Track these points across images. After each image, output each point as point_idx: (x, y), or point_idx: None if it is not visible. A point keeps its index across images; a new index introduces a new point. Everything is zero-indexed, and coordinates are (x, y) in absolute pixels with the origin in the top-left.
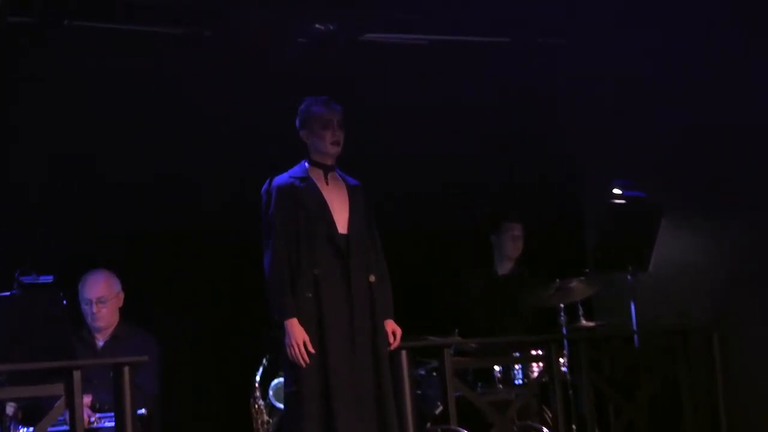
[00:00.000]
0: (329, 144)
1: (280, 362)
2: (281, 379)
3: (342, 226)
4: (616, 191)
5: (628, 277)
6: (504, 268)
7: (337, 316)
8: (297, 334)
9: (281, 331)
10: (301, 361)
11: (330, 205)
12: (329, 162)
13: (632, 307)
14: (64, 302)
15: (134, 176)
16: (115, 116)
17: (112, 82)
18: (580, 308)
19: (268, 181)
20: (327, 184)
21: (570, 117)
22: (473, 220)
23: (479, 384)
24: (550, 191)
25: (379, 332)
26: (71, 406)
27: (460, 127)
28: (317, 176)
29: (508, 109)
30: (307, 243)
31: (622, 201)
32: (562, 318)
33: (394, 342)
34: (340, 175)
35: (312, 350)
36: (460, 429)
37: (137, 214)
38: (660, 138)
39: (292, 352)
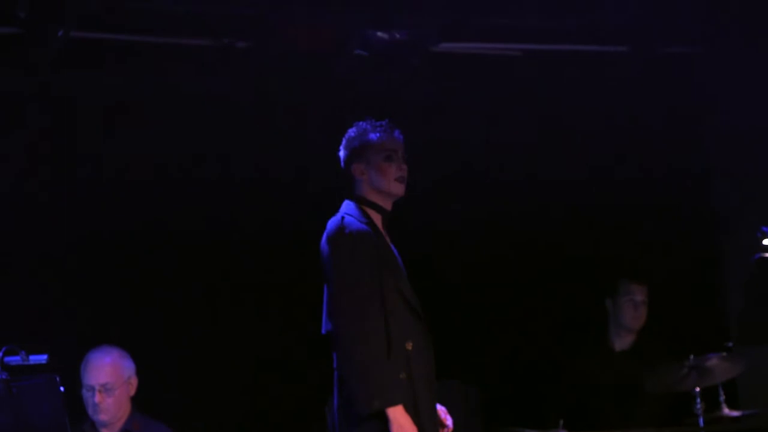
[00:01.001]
0: (393, 181)
1: None
2: None
3: (408, 284)
4: (767, 242)
5: None
6: (622, 342)
7: (428, 401)
8: (409, 425)
9: (376, 423)
10: None
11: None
12: (389, 205)
13: None
14: (62, 389)
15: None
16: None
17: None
18: (722, 393)
19: (339, 220)
20: (386, 233)
21: (706, 148)
22: (584, 280)
23: None
24: (683, 244)
25: None
26: None
27: (563, 156)
28: (377, 222)
29: (624, 134)
30: (393, 308)
31: None
32: (699, 406)
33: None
34: None
35: None
36: None
37: (158, 271)
38: None
39: None
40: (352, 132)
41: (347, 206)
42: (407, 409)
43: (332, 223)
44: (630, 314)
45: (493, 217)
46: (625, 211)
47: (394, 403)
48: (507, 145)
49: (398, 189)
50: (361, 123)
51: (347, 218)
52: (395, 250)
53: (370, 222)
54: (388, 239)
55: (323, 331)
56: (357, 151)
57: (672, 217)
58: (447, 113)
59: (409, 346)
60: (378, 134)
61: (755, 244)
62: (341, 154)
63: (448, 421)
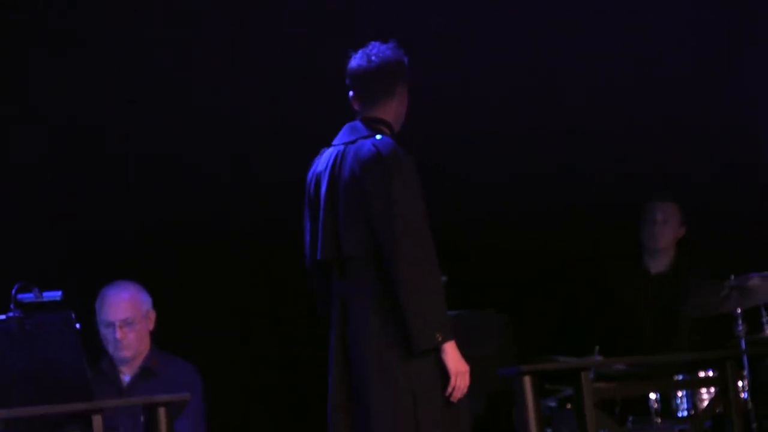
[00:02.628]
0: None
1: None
2: None
3: None
4: None
5: None
6: (657, 264)
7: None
8: (462, 359)
9: (433, 357)
10: (461, 394)
11: None
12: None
13: None
14: (78, 326)
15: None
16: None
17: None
18: (764, 314)
19: (392, 144)
20: None
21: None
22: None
23: (630, 418)
24: (721, 156)
25: None
26: None
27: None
28: None
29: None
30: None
31: None
32: (740, 328)
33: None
34: None
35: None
36: None
37: (175, 206)
38: None
39: (462, 382)
40: (390, 50)
41: (372, 127)
42: None
43: (385, 144)
44: (648, 233)
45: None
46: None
47: (452, 338)
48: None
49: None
50: (391, 44)
51: (394, 144)
52: None
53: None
54: None
55: (319, 256)
56: (404, 73)
57: (713, 132)
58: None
59: (444, 279)
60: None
61: None
62: (377, 67)
63: None
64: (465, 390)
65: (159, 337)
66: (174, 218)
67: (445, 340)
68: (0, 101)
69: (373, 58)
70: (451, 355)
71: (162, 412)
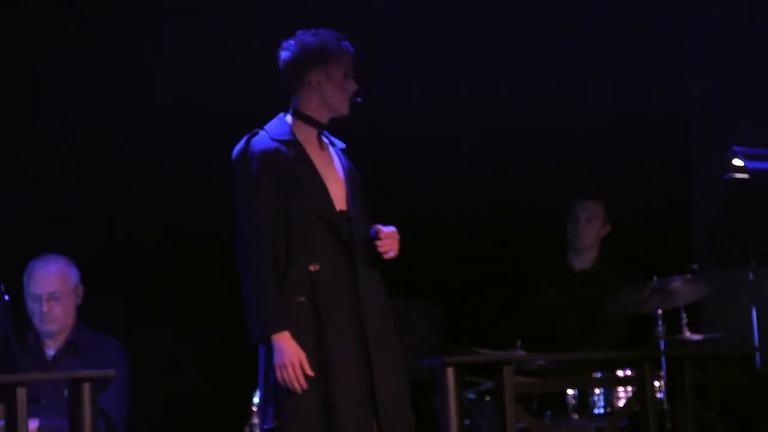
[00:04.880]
0: (347, 100)
1: (263, 391)
2: None
3: (340, 201)
4: (737, 162)
5: (750, 275)
6: (581, 261)
7: (341, 323)
8: (291, 350)
9: (267, 350)
10: (297, 386)
11: (324, 176)
12: (327, 120)
13: (754, 315)
14: (6, 297)
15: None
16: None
17: None
18: (684, 316)
19: (243, 143)
20: (321, 149)
21: (676, 61)
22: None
23: (547, 413)
24: (647, 161)
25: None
26: None
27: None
28: (307, 137)
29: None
30: (299, 229)
31: (745, 175)
32: (660, 329)
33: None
34: (325, 136)
35: (310, 372)
36: None
37: (102, 183)
38: None
39: (286, 376)
40: (307, 36)
41: (276, 121)
42: (304, 334)
43: (238, 144)
44: (573, 231)
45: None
46: (592, 128)
47: (276, 330)
48: None
49: (347, 109)
50: (317, 30)
51: (254, 139)
52: (340, 165)
53: (291, 139)
54: (329, 152)
55: None
56: (317, 59)
57: (641, 136)
58: None
59: (314, 268)
60: (338, 45)
61: (725, 164)
62: (290, 56)
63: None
64: (294, 382)
65: (86, 312)
66: (104, 196)
67: (271, 333)
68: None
69: (283, 48)
70: (276, 347)
71: (86, 387)
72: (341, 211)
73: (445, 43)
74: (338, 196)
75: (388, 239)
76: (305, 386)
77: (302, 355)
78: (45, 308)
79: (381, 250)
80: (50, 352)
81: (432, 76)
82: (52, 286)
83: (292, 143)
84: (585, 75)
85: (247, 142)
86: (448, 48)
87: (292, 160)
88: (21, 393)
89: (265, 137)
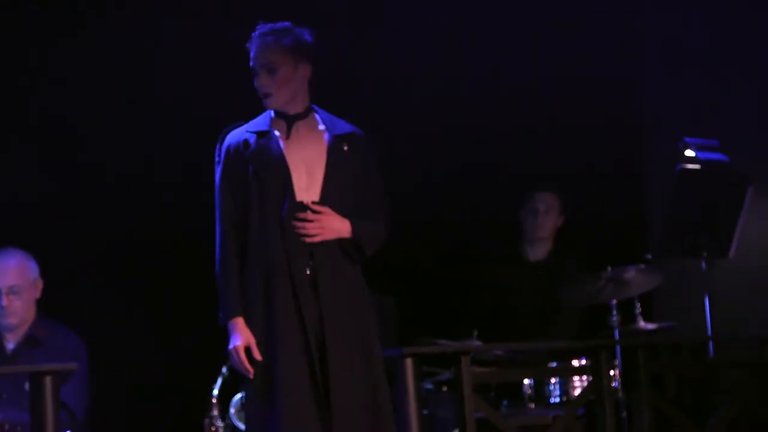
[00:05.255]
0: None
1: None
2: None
3: (303, 191)
4: (689, 153)
5: (702, 265)
6: (535, 252)
7: (289, 319)
8: (239, 336)
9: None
10: (243, 371)
11: (292, 166)
12: (288, 111)
13: (707, 305)
14: None
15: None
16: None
17: None
18: (638, 306)
19: (220, 137)
20: (298, 138)
21: (629, 55)
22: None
23: (504, 402)
24: (600, 153)
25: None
26: None
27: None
28: (281, 128)
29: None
30: (257, 219)
31: (697, 166)
32: (615, 319)
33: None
34: (324, 120)
35: (258, 357)
36: None
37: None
38: (747, 89)
39: (233, 360)
40: (304, 32)
41: (262, 115)
42: (255, 321)
43: None
44: (530, 222)
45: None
46: (549, 123)
47: (230, 317)
48: None
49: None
50: (299, 27)
51: (230, 132)
52: (324, 154)
53: (265, 130)
54: (308, 141)
55: None
56: (312, 54)
57: (594, 127)
58: None
59: (268, 277)
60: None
61: (677, 155)
62: (288, 43)
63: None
64: (239, 367)
65: (45, 306)
66: (64, 189)
67: (227, 318)
68: None
69: None
70: (229, 333)
71: (48, 380)
72: (300, 202)
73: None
74: (302, 186)
75: (314, 222)
76: (250, 371)
77: (251, 341)
78: (5, 302)
79: (300, 231)
80: (10, 345)
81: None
82: (12, 280)
83: (265, 134)
84: (539, 70)
85: (223, 135)
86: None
87: (257, 151)
88: None
89: (240, 130)
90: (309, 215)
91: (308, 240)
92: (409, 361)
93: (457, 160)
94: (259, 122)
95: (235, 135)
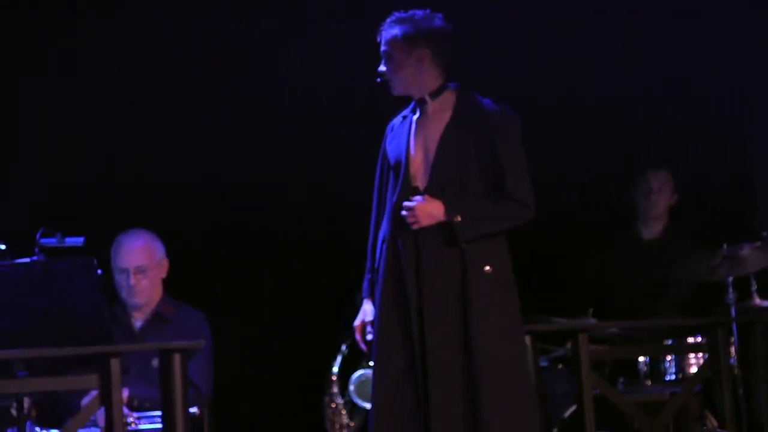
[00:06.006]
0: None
1: None
2: (365, 371)
3: (417, 177)
4: None
5: None
6: (649, 231)
7: (389, 295)
8: (360, 314)
9: None
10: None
11: (414, 150)
12: (414, 95)
13: None
14: (99, 272)
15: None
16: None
17: None
18: (754, 283)
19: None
20: (425, 120)
21: (742, 36)
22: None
23: (620, 380)
24: (713, 132)
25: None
26: (108, 402)
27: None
28: (418, 112)
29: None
30: (385, 202)
31: None
32: (731, 296)
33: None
34: (459, 100)
35: (368, 337)
36: None
37: (185, 162)
38: None
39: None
40: (426, 18)
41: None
42: (371, 301)
43: None
44: (644, 200)
45: None
46: (659, 101)
47: (363, 296)
48: None
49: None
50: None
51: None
52: (438, 136)
53: (407, 114)
54: (431, 124)
55: None
56: (431, 38)
57: (703, 102)
58: None
59: (384, 241)
60: (448, 28)
61: None
62: (400, 31)
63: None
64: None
65: (171, 286)
66: (192, 173)
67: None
68: None
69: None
70: None
71: (177, 357)
72: (411, 188)
73: None
74: (417, 169)
75: (409, 211)
76: (365, 349)
77: (366, 320)
78: (132, 281)
79: (408, 221)
80: (137, 323)
81: None
82: (139, 260)
83: (406, 117)
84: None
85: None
86: None
87: (393, 134)
88: (115, 364)
89: (399, 115)
90: (406, 204)
91: (412, 227)
92: (528, 339)
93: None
94: (409, 106)
95: (394, 119)
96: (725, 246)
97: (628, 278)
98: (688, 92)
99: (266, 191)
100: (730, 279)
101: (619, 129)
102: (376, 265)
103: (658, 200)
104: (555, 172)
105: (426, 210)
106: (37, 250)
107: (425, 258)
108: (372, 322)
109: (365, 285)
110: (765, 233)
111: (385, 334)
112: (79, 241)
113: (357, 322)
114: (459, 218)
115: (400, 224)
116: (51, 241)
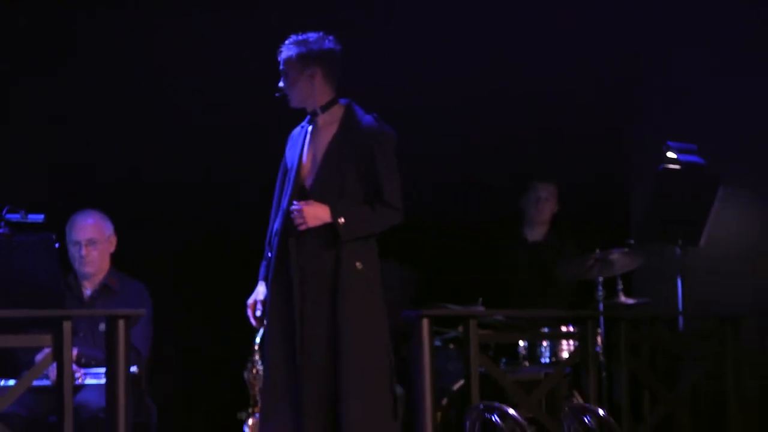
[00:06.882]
0: None
1: None
2: None
3: (305, 179)
4: (671, 155)
5: (677, 251)
6: (534, 234)
7: (277, 276)
8: (252, 295)
9: None
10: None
11: (305, 158)
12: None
13: (679, 285)
14: (56, 245)
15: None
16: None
17: None
18: (620, 283)
19: None
20: (317, 130)
21: (618, 66)
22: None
23: (503, 360)
24: (591, 149)
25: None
26: (59, 358)
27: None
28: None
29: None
30: (279, 204)
31: (677, 166)
32: (600, 293)
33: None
34: (346, 115)
35: (257, 313)
36: (503, 405)
37: (137, 153)
38: (725, 100)
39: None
40: (318, 40)
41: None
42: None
43: None
44: (532, 208)
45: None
46: (543, 120)
47: (259, 279)
48: None
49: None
50: (316, 33)
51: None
52: (326, 143)
53: (305, 124)
54: (321, 132)
55: None
56: (323, 58)
57: (583, 122)
58: None
59: (270, 254)
60: (339, 48)
61: (660, 156)
62: (295, 51)
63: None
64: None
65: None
66: (150, 164)
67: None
68: None
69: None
70: None
71: (122, 323)
72: (299, 190)
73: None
74: (306, 174)
75: (298, 213)
76: (255, 324)
77: (258, 299)
78: (84, 252)
79: (296, 222)
80: (87, 292)
81: None
82: (90, 233)
83: (303, 128)
84: (537, 74)
85: None
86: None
87: (291, 142)
88: (67, 326)
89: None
90: (294, 206)
91: (299, 228)
92: (425, 322)
93: (474, 150)
94: (307, 118)
95: (295, 129)
96: (597, 250)
97: (514, 274)
98: (568, 103)
99: (223, 191)
100: (600, 279)
101: (515, 147)
102: (270, 254)
103: (544, 208)
104: (458, 177)
105: (313, 212)
106: (2, 223)
107: (308, 259)
108: (264, 302)
109: (261, 270)
110: (632, 240)
111: (272, 324)
112: (39, 218)
113: (250, 301)
114: (343, 220)
115: (290, 225)
116: (15, 217)
